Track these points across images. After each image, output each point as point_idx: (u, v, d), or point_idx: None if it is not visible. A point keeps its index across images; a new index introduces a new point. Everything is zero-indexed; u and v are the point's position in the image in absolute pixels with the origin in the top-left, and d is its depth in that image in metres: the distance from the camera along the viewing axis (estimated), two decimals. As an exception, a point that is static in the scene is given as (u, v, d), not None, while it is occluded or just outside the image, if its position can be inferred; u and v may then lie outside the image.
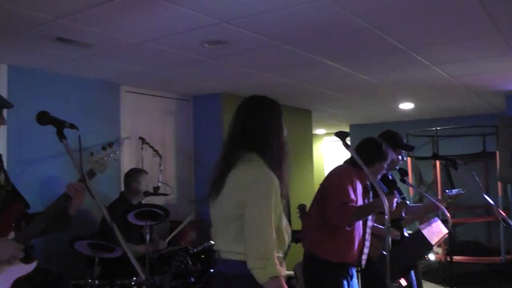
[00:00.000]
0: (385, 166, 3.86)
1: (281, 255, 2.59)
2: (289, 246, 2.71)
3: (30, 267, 2.78)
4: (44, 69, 5.26)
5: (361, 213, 3.68)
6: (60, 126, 2.49)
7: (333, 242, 3.74)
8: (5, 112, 2.83)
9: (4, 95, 4.95)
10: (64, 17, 3.61)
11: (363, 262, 3.84)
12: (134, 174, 5.27)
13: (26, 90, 5.16)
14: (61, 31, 3.92)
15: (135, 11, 3.54)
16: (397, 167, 4.44)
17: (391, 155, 4.04)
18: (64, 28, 3.83)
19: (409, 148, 4.53)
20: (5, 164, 4.86)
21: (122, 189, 5.47)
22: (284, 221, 2.61)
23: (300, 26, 3.98)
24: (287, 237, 2.62)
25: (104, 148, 3.23)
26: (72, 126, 2.49)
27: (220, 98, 7.03)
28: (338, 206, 3.63)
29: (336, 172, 3.95)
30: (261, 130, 2.63)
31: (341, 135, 3.08)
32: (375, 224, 4.01)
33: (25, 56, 4.75)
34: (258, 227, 2.46)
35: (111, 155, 3.23)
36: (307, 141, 8.79)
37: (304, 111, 8.73)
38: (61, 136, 2.46)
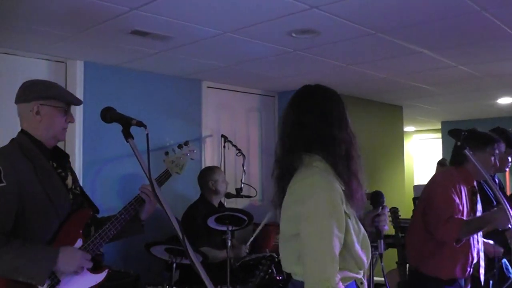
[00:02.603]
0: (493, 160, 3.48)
1: (359, 275, 2.28)
2: (381, 255, 2.55)
3: (100, 277, 2.67)
4: (121, 65, 5.27)
5: (471, 228, 3.43)
6: (126, 123, 2.30)
7: (441, 257, 3.53)
8: (77, 110, 2.59)
9: (80, 92, 4.93)
10: (139, 7, 3.52)
11: (482, 278, 3.57)
12: (208, 173, 5.21)
13: (102, 87, 5.15)
14: (136, 23, 3.84)
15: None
16: (507, 169, 4.01)
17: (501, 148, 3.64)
18: (139, 19, 3.75)
19: None
20: (79, 164, 4.82)
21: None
22: (360, 235, 2.28)
23: (399, 11, 3.69)
24: (365, 253, 2.29)
25: (180, 147, 3.20)
26: (140, 124, 2.27)
27: None
28: (443, 221, 3.43)
29: (438, 180, 3.74)
30: (320, 123, 2.30)
31: (456, 134, 2.63)
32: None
33: (101, 52, 4.73)
34: (313, 249, 2.15)
35: (188, 154, 3.19)
36: (398, 139, 8.64)
37: (394, 107, 8.48)
38: (127, 134, 2.28)
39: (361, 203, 2.25)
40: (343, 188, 2.19)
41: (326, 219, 2.13)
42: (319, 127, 2.28)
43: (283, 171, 2.36)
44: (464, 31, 4.23)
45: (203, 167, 5.77)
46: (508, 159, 4.11)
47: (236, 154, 6.12)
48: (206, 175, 5.18)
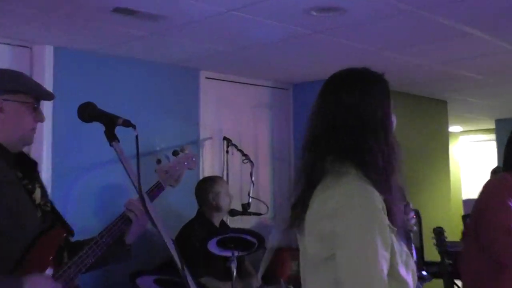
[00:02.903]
0: None
1: None
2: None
3: (72, 316, 2.58)
4: (100, 51, 5.30)
5: None
6: (110, 123, 2.30)
7: (502, 282, 3.59)
8: (45, 106, 2.61)
9: (49, 84, 5.06)
10: None
11: None
12: (208, 185, 5.26)
13: (76, 78, 5.19)
14: None
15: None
16: None
17: None
18: None
19: None
20: (48, 173, 4.84)
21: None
22: (403, 254, 2.29)
23: None
24: (410, 277, 2.29)
25: (175, 153, 3.22)
26: (127, 124, 2.28)
27: None
28: (500, 234, 3.53)
29: (491, 190, 3.82)
30: (355, 124, 2.31)
31: None
32: None
33: (75, 35, 4.76)
34: (357, 275, 2.15)
35: (186, 163, 3.22)
36: (442, 142, 8.78)
37: (437, 102, 8.55)
38: (111, 136, 2.28)
39: (400, 223, 2.28)
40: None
41: (370, 236, 2.15)
42: (353, 132, 2.32)
43: (306, 181, 2.37)
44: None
45: (201, 177, 5.83)
46: None
47: (243, 161, 6.11)
48: (206, 187, 5.23)
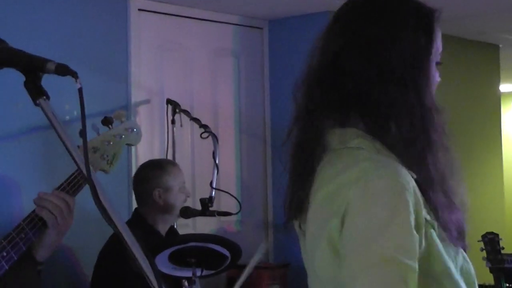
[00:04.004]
0: None
1: None
2: None
3: None
4: None
5: None
6: (33, 69, 2.23)
7: None
8: None
9: None
10: None
11: None
12: (155, 174, 5.25)
13: None
14: None
15: None
16: None
17: None
18: None
19: None
20: None
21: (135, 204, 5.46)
22: (459, 259, 2.29)
23: None
24: None
25: (107, 122, 3.30)
26: (63, 71, 2.19)
27: (327, 21, 6.81)
28: None
29: None
30: (372, 68, 2.30)
31: None
32: None
33: None
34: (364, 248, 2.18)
35: (123, 136, 3.34)
36: (493, 104, 8.92)
37: (486, 46, 8.74)
38: (36, 91, 2.20)
39: (446, 218, 2.28)
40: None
41: (397, 234, 2.15)
42: (375, 76, 2.30)
43: (304, 166, 2.43)
44: None
45: (134, 160, 6.02)
46: None
47: (201, 135, 5.97)
48: (150, 179, 5.24)
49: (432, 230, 2.21)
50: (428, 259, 2.20)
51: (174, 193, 5.22)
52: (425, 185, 2.24)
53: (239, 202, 5.95)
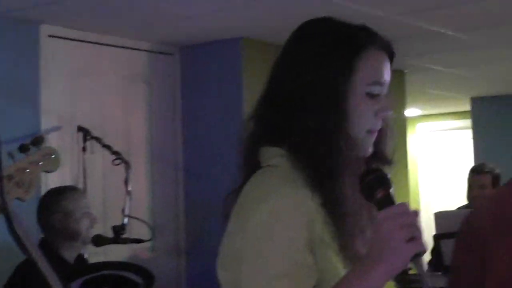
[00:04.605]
0: None
1: None
2: None
3: None
4: None
5: None
6: None
7: None
8: None
9: None
10: None
11: None
12: (54, 200, 5.15)
13: None
14: None
15: None
16: None
17: None
18: None
19: None
20: None
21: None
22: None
23: None
24: None
25: (24, 149, 3.21)
26: None
27: (240, 47, 7.28)
28: None
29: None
30: (290, 92, 2.44)
31: None
32: None
33: None
34: None
35: (41, 163, 3.25)
36: (399, 129, 8.65)
37: (392, 72, 8.49)
38: None
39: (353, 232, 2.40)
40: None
41: (274, 257, 2.30)
42: (286, 104, 2.44)
43: (240, 172, 2.53)
44: None
45: (44, 189, 5.75)
46: None
47: (112, 162, 6.03)
48: (50, 205, 5.14)
49: (329, 252, 2.33)
50: (325, 278, 2.33)
51: (75, 217, 5.14)
52: (328, 208, 2.33)
53: (151, 228, 6.06)
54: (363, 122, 2.38)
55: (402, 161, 9.10)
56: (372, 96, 2.35)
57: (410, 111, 12.35)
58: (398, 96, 9.14)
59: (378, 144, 2.50)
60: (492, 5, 6.16)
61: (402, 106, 9.32)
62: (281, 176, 2.36)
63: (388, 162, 2.51)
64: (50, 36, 6.34)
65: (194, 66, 7.41)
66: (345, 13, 5.82)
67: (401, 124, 9.24)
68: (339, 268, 2.33)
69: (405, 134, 9.31)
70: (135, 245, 6.23)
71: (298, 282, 2.31)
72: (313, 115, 2.38)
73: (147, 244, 6.43)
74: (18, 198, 3.09)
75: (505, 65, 8.82)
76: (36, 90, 6.25)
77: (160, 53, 7.28)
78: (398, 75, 9.09)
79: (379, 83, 2.36)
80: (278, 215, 2.32)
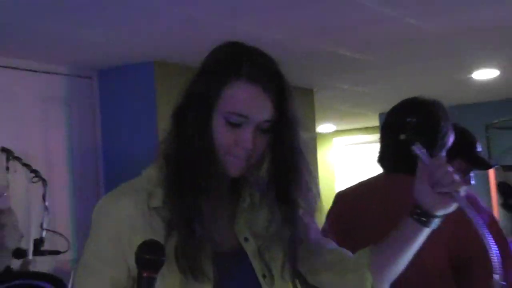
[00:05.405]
0: None
1: None
2: None
3: None
4: None
5: None
6: None
7: None
8: None
9: None
10: None
11: None
12: None
13: None
14: None
15: None
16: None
17: None
18: None
19: (481, 163, 4.70)
20: None
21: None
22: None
23: None
24: None
25: None
26: None
27: (153, 70, 7.35)
28: None
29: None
30: (180, 104, 2.56)
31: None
32: None
33: None
34: None
35: None
36: (309, 143, 8.67)
37: (301, 90, 9.03)
38: None
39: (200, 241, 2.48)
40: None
41: (88, 251, 2.54)
42: (177, 112, 2.56)
43: None
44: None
45: None
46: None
47: (31, 180, 6.17)
48: None
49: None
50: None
51: (6, 232, 5.34)
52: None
53: (67, 240, 6.12)
54: (220, 143, 2.45)
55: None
56: (231, 124, 2.44)
57: (326, 127, 12.75)
58: (308, 113, 9.17)
59: (278, 177, 2.59)
60: (391, 30, 6.41)
61: (312, 122, 9.31)
62: (129, 187, 2.58)
63: (289, 201, 2.59)
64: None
65: (112, 88, 7.48)
66: (252, 37, 5.84)
67: (311, 138, 9.13)
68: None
69: (314, 148, 9.24)
70: (58, 258, 6.33)
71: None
72: (184, 130, 2.50)
73: (69, 257, 6.49)
74: None
75: (406, 82, 9.00)
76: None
77: (79, 76, 7.28)
78: (307, 93, 9.18)
79: (239, 114, 2.43)
80: (103, 214, 2.59)
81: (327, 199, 8.29)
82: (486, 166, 4.67)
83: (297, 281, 2.73)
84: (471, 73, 8.65)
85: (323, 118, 11.23)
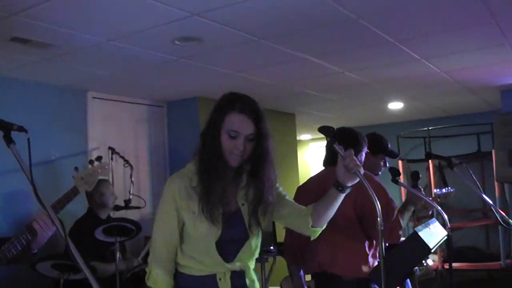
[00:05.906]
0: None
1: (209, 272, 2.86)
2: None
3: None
4: (1, 75, 5.70)
5: None
6: (6, 128, 2.46)
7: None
8: None
9: None
10: (18, 13, 4.04)
11: None
12: (95, 186, 5.02)
13: None
14: (16, 29, 4.38)
15: (97, 5, 3.92)
16: (380, 172, 4.74)
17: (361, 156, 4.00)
18: (19, 25, 4.30)
19: (392, 155, 4.86)
20: None
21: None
22: (200, 230, 2.76)
23: (279, 19, 4.43)
24: (209, 255, 2.80)
25: (91, 162, 3.39)
26: (21, 129, 2.51)
27: (197, 102, 7.71)
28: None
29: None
30: (203, 130, 2.82)
31: (326, 131, 2.89)
32: None
33: None
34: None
35: (99, 171, 3.35)
36: (292, 148, 10.33)
37: (287, 115, 10.16)
38: (8, 140, 2.44)
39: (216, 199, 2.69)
40: (194, 185, 2.75)
41: (159, 211, 2.78)
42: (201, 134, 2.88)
43: None
44: (345, 38, 5.13)
45: None
46: (380, 163, 4.46)
47: (124, 165, 6.81)
48: (92, 189, 5.20)
49: (183, 212, 2.68)
50: (185, 227, 2.75)
51: (106, 196, 5.37)
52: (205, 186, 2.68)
53: (144, 201, 6.34)
54: (225, 148, 2.69)
55: (294, 169, 9.54)
56: (230, 136, 2.70)
57: (304, 136, 14.11)
58: (291, 128, 9.55)
59: (255, 165, 2.75)
60: (337, 80, 6.42)
61: (293, 134, 9.55)
62: (180, 172, 2.77)
63: (259, 176, 2.75)
64: (93, 97, 6.49)
65: (175, 114, 7.31)
66: (258, 83, 5.79)
67: (294, 145, 9.78)
68: (190, 223, 2.69)
69: (296, 151, 10.35)
70: (139, 211, 6.49)
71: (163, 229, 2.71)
72: (207, 140, 2.71)
73: (146, 211, 6.76)
74: (84, 190, 3.16)
75: (350, 110, 9.54)
76: (86, 128, 6.19)
77: (155, 105, 7.40)
78: (291, 117, 9.63)
79: (234, 131, 2.68)
80: (167, 187, 2.71)
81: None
82: (395, 155, 4.70)
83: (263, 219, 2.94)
84: (387, 104, 9.00)
85: (302, 131, 12.10)
